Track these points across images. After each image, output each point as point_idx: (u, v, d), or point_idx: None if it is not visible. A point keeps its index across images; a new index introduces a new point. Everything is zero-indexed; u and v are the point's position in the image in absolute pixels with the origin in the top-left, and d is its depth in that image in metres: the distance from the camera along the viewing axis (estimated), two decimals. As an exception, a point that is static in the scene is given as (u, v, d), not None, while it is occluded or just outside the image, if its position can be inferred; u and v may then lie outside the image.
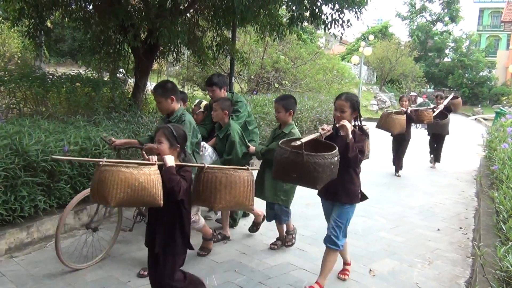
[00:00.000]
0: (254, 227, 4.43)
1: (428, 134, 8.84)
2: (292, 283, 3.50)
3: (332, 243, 3.24)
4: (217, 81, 4.54)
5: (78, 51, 8.81)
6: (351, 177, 3.21)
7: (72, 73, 7.06)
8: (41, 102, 6.23)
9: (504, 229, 3.64)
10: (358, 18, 6.38)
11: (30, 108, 6.26)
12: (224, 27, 7.35)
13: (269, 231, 4.49)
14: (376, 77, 32.91)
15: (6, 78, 6.17)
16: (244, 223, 4.74)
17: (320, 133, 3.01)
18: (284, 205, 3.98)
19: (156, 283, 2.82)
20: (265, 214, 4.26)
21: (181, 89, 14.35)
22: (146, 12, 5.96)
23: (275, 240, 4.23)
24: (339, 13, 6.20)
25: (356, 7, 6.15)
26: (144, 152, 2.93)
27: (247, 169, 2.93)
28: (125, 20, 5.69)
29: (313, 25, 7.14)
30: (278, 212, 4.02)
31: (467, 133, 15.70)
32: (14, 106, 6.19)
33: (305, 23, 7.48)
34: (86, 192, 3.52)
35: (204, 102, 4.97)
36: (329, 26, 6.28)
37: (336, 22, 6.25)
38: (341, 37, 10.76)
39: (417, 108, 8.13)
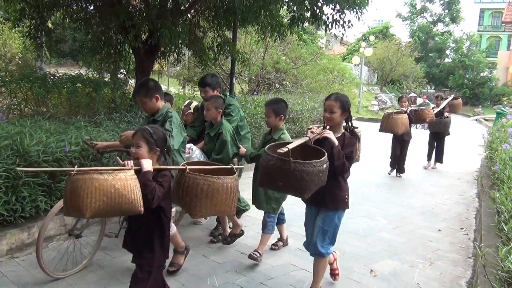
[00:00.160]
0: (229, 238, 4.07)
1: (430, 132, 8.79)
2: (293, 284, 3.50)
3: (318, 253, 3.13)
4: (211, 81, 4.41)
5: (79, 52, 8.80)
6: (338, 182, 3.07)
7: (73, 74, 7.07)
8: (42, 102, 6.24)
9: (506, 229, 3.63)
10: (359, 18, 6.40)
11: (31, 109, 6.28)
12: (225, 27, 7.34)
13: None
14: (377, 78, 32.91)
15: (7, 79, 6.19)
16: (244, 224, 4.73)
17: (309, 137, 2.86)
18: (271, 213, 3.88)
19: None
20: (242, 228, 4.11)
21: (181, 89, 14.46)
22: (147, 12, 5.96)
23: (276, 240, 4.22)
24: (340, 13, 6.21)
25: (356, 8, 6.17)
26: (118, 158, 2.70)
27: (232, 168, 2.83)
28: (126, 21, 5.68)
29: (314, 26, 7.14)
30: (265, 219, 3.90)
31: (468, 134, 15.69)
32: (15, 106, 6.20)
33: (306, 24, 7.49)
34: None
35: (194, 103, 4.76)
36: (330, 26, 6.30)
37: (337, 22, 6.26)
38: (341, 38, 10.74)
39: (416, 108, 8.10)
